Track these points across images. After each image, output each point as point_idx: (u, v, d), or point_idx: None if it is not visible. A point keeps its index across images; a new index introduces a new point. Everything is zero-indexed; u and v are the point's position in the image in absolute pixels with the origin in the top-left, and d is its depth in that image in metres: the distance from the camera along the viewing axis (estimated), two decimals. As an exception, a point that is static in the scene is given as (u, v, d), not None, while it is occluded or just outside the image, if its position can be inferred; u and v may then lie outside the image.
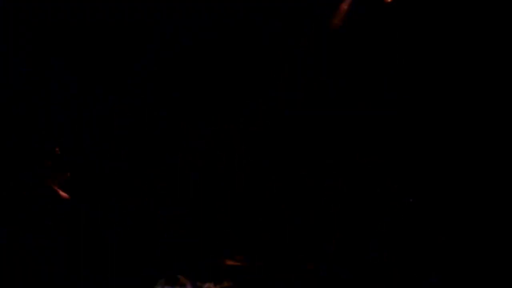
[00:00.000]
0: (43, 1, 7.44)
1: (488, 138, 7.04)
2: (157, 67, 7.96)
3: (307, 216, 7.19)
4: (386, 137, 7.42)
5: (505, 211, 6.73)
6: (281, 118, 7.85)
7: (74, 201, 7.19)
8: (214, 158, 7.35)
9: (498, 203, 6.79)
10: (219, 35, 7.86)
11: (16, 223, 6.65)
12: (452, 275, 6.37)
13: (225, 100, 7.83)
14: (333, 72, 7.84)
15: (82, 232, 6.71)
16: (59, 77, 7.75)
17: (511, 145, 6.98)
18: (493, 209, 6.77)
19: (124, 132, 7.93)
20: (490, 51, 7.07)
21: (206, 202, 7.24)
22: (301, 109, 7.83)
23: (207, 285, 2.85)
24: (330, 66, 7.88)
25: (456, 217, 6.86)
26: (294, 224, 7.15)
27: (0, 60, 7.44)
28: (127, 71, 7.89)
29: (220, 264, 6.50)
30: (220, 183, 7.27)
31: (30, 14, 7.41)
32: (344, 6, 7.86)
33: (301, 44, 7.95)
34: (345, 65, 7.77)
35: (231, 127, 7.32)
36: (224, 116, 7.42)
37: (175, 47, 7.96)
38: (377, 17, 7.59)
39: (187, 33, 7.92)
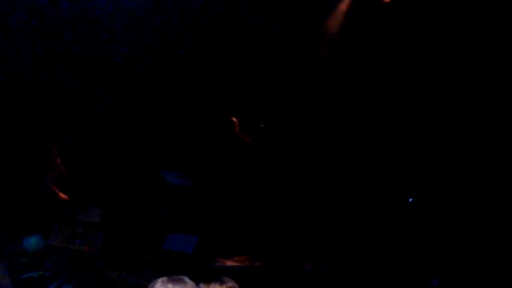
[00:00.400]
0: (43, 1, 7.44)
1: (488, 138, 7.04)
2: (157, 67, 7.97)
3: (307, 216, 7.18)
4: (386, 137, 7.42)
5: (505, 211, 6.73)
6: (281, 118, 7.86)
7: (74, 201, 7.20)
8: (214, 158, 7.35)
9: (498, 203, 6.79)
10: (219, 35, 7.87)
11: (16, 223, 6.66)
12: (452, 275, 6.37)
13: (225, 100, 7.84)
14: (333, 72, 7.85)
15: (81, 232, 6.72)
16: (59, 77, 7.75)
17: (511, 144, 6.98)
18: (493, 210, 6.77)
19: (124, 132, 7.94)
20: (489, 51, 7.07)
21: (206, 202, 7.24)
22: (301, 109, 7.84)
23: (212, 285, 2.86)
24: (330, 66, 7.89)
25: (456, 217, 6.86)
26: (294, 224, 7.14)
27: (1, 60, 7.44)
28: (127, 71, 7.90)
29: (220, 264, 6.51)
30: (220, 183, 7.27)
31: (31, 15, 7.42)
32: (344, 6, 7.87)
33: (301, 44, 7.96)
34: (345, 65, 7.78)
35: (231, 127, 7.32)
36: (224, 116, 7.42)
37: (175, 47, 7.96)
38: (376, 17, 7.60)
39: (187, 33, 7.93)
